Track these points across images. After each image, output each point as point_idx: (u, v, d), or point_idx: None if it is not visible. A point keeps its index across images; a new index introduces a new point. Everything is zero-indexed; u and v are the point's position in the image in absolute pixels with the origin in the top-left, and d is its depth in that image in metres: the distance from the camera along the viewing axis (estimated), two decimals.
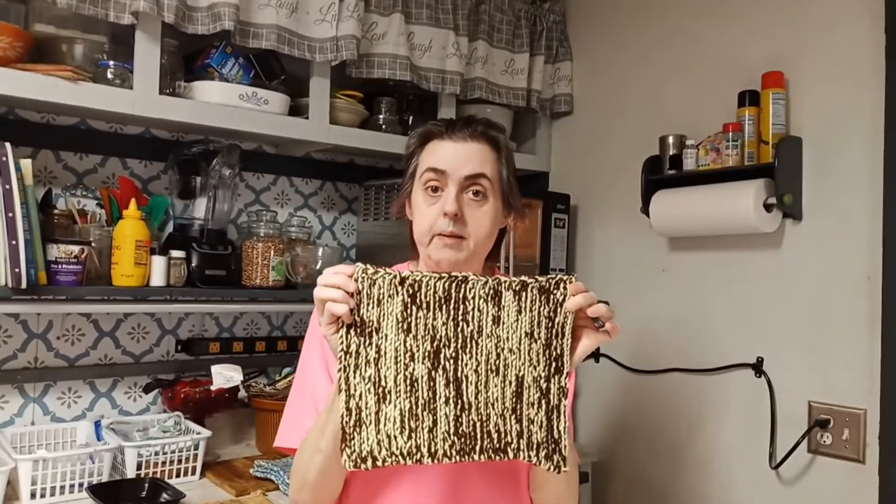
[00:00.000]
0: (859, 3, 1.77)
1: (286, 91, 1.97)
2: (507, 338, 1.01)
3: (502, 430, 1.01)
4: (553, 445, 1.00)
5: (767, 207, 1.84)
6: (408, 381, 0.99)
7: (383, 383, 0.99)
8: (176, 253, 1.85)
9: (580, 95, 2.50)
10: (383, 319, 0.99)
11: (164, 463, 1.77)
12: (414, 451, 0.98)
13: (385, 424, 0.98)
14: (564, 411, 1.01)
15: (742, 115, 1.91)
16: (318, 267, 2.05)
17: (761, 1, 1.98)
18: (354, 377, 0.98)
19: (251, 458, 1.94)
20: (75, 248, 1.65)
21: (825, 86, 1.83)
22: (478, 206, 1.15)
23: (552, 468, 1.00)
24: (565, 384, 1.01)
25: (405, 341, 0.99)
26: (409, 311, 0.99)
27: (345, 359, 0.98)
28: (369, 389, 0.98)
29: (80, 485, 1.63)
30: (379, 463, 0.97)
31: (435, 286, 1.00)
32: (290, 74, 2.05)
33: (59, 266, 1.63)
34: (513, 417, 1.01)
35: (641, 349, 2.22)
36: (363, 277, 0.99)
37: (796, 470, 1.85)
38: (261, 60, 2.01)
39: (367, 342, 0.99)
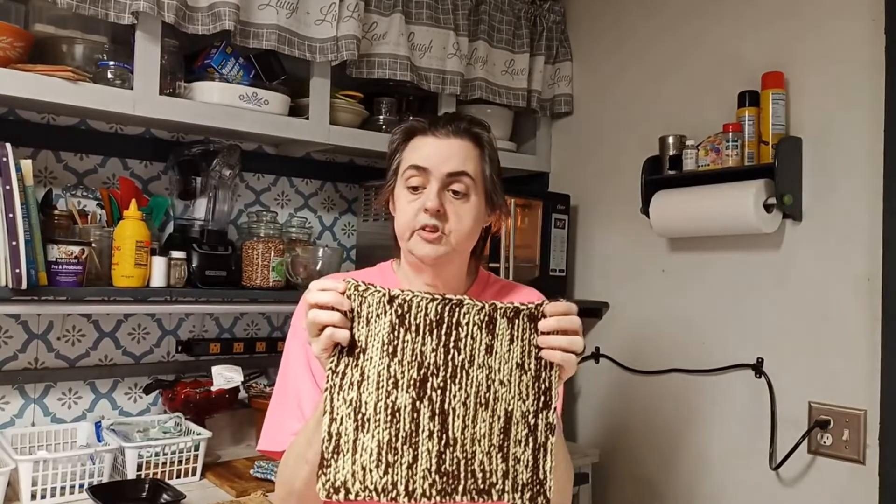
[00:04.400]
0: (859, 4, 1.77)
1: (286, 91, 1.97)
2: (499, 369, 0.94)
3: (487, 469, 0.93)
4: (538, 487, 0.93)
5: (767, 208, 1.84)
6: (389, 410, 0.90)
7: (363, 410, 0.91)
8: (176, 253, 1.85)
9: (580, 95, 2.51)
10: (370, 340, 0.92)
11: (164, 464, 1.76)
12: (389, 488, 0.90)
13: (361, 455, 0.90)
14: (551, 449, 0.95)
15: (742, 116, 1.91)
16: (318, 268, 2.05)
17: (761, 1, 1.98)
18: (337, 399, 0.91)
19: (251, 459, 1.93)
20: (76, 249, 1.65)
21: (825, 86, 1.83)
22: (459, 203, 1.15)
23: None
24: (553, 420, 0.95)
25: (389, 366, 0.91)
26: (395, 333, 0.92)
27: (331, 378, 0.92)
28: (349, 415, 0.91)
29: (81, 486, 1.63)
30: (351, 496, 0.90)
31: (426, 308, 0.92)
32: (291, 75, 2.05)
33: (60, 267, 1.62)
34: (499, 456, 0.93)
35: (641, 349, 2.22)
36: (354, 295, 0.93)
37: (796, 471, 1.85)
38: (261, 61, 2.01)
39: (354, 363, 0.92)
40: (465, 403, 0.92)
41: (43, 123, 1.86)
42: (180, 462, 1.78)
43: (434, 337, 0.93)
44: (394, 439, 0.90)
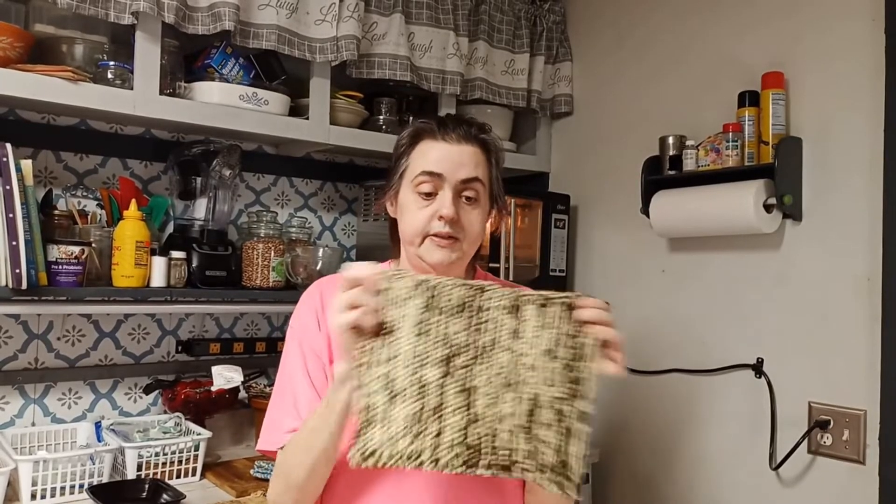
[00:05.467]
0: (859, 4, 1.77)
1: (286, 91, 1.97)
2: (525, 353, 0.98)
3: (511, 447, 0.97)
4: (563, 470, 0.97)
5: (767, 208, 1.84)
6: (417, 385, 0.97)
7: (393, 385, 0.97)
8: (176, 254, 1.85)
9: (580, 96, 2.51)
10: (399, 321, 0.98)
11: (164, 464, 1.76)
12: (415, 454, 0.96)
13: (391, 426, 0.96)
14: (583, 437, 0.97)
15: (742, 116, 1.91)
16: (318, 268, 2.05)
17: (761, 1, 1.98)
18: (369, 375, 0.98)
19: (251, 459, 1.93)
20: (76, 249, 1.65)
21: (825, 86, 1.83)
22: (471, 209, 1.16)
23: (562, 495, 0.97)
24: (586, 409, 0.97)
25: (417, 345, 0.97)
26: (424, 315, 0.98)
27: (360, 357, 0.98)
28: (380, 389, 0.97)
29: (81, 486, 1.63)
30: (381, 462, 0.96)
31: (453, 292, 0.98)
32: (291, 75, 2.05)
33: (60, 267, 1.62)
34: (523, 436, 0.97)
35: (641, 349, 2.22)
36: (385, 280, 0.99)
37: (796, 471, 1.85)
38: (261, 61, 2.01)
39: (383, 342, 0.98)
40: (489, 383, 0.97)
41: (43, 123, 1.86)
42: (180, 462, 1.78)
43: (460, 319, 0.98)
44: (421, 412, 0.96)
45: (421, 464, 0.96)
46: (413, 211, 1.15)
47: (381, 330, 0.98)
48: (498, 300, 0.98)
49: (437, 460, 0.96)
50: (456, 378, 0.97)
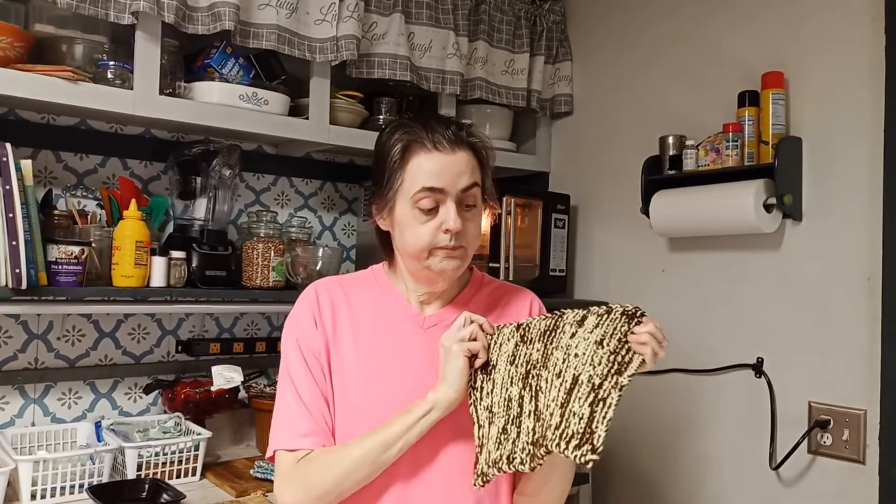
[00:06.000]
0: (859, 4, 1.77)
1: (286, 91, 1.97)
2: (577, 345, 1.06)
3: (548, 424, 1.05)
4: (588, 436, 1.01)
5: (767, 208, 1.84)
6: (505, 403, 1.10)
7: (493, 409, 1.11)
8: (176, 253, 1.85)
9: (580, 95, 2.51)
10: (499, 358, 1.12)
11: (164, 464, 1.77)
12: (499, 460, 1.08)
13: (489, 442, 1.10)
14: (612, 405, 1.01)
15: (742, 116, 1.91)
16: (317, 268, 2.04)
17: (761, 1, 1.98)
18: (479, 409, 1.12)
19: (251, 459, 1.94)
20: (75, 249, 1.65)
21: (825, 86, 1.83)
22: (472, 217, 1.17)
23: (580, 458, 1.00)
24: (625, 382, 1.02)
25: (508, 370, 1.11)
26: (517, 348, 1.12)
27: (472, 394, 1.12)
28: (488, 419, 1.11)
29: (81, 486, 1.63)
30: (489, 477, 1.09)
31: (539, 325, 1.12)
32: (290, 75, 2.05)
33: (60, 267, 1.62)
34: (559, 412, 1.04)
35: None
36: (495, 332, 1.14)
37: (796, 470, 1.85)
38: (261, 61, 2.01)
39: (486, 377, 1.12)
40: (547, 380, 1.08)
41: (43, 123, 1.86)
42: (180, 462, 1.78)
43: (540, 342, 1.11)
44: (507, 423, 1.09)
45: (500, 467, 1.08)
46: (415, 227, 1.14)
47: (486, 369, 1.12)
48: (570, 317, 1.10)
49: (511, 460, 1.07)
50: (530, 388, 1.09)
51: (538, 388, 1.08)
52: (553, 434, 1.03)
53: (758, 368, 1.93)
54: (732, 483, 1.99)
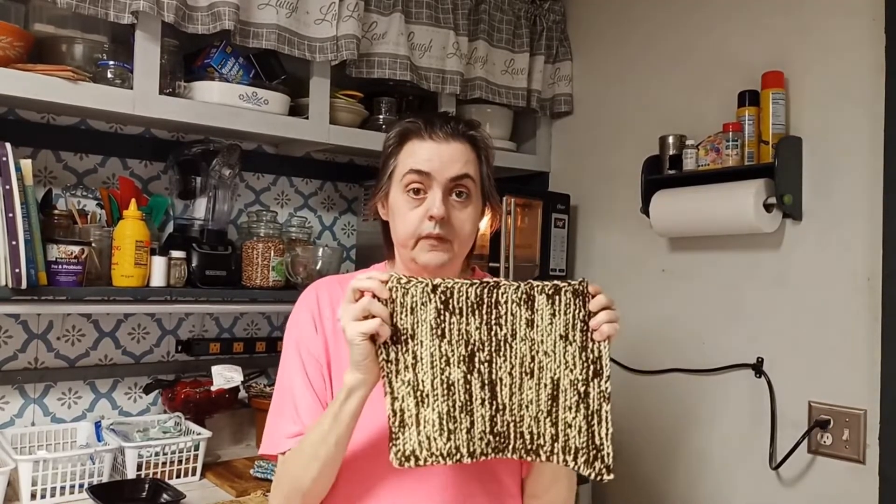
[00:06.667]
0: (859, 4, 1.77)
1: (286, 91, 1.97)
2: (542, 340, 1.02)
3: (535, 432, 1.02)
4: (594, 452, 1.01)
5: (767, 207, 1.84)
6: (444, 385, 1.01)
7: (421, 387, 1.01)
8: (176, 253, 1.85)
9: (580, 95, 2.50)
10: (417, 326, 1.02)
11: (164, 464, 1.77)
12: (454, 451, 1.00)
13: (425, 426, 1.00)
14: (607, 417, 1.01)
15: (742, 115, 1.91)
16: (317, 267, 2.05)
17: (762, 2, 1.98)
18: (395, 381, 1.01)
19: (251, 459, 1.94)
20: (75, 249, 1.65)
21: (825, 86, 1.83)
22: (462, 208, 1.15)
23: (594, 475, 1.01)
24: (606, 388, 1.01)
25: (440, 346, 1.01)
26: (442, 317, 1.02)
27: (385, 366, 1.02)
28: (409, 393, 1.01)
29: (81, 485, 1.63)
30: (421, 462, 1.00)
31: (467, 292, 1.02)
32: (290, 74, 2.05)
33: (60, 266, 1.62)
34: (547, 421, 1.01)
35: (641, 349, 2.22)
36: (396, 287, 1.02)
37: (796, 470, 1.85)
38: (261, 60, 2.01)
39: (404, 349, 1.02)
40: (510, 373, 1.02)
41: (43, 123, 1.86)
42: (180, 462, 1.78)
43: (476, 316, 1.02)
44: (452, 409, 1.01)
45: (459, 459, 1.00)
46: (404, 213, 1.14)
47: (396, 337, 1.01)
48: (511, 294, 1.02)
49: (472, 452, 1.01)
50: (479, 373, 1.02)
51: (496, 378, 1.02)
52: (551, 445, 1.02)
53: (758, 368, 1.93)
54: (732, 483, 1.99)
